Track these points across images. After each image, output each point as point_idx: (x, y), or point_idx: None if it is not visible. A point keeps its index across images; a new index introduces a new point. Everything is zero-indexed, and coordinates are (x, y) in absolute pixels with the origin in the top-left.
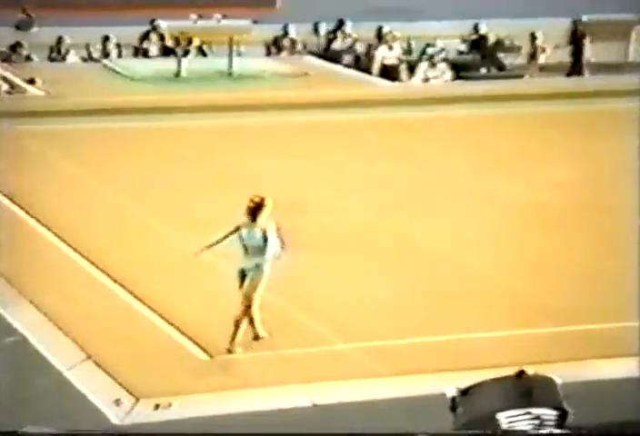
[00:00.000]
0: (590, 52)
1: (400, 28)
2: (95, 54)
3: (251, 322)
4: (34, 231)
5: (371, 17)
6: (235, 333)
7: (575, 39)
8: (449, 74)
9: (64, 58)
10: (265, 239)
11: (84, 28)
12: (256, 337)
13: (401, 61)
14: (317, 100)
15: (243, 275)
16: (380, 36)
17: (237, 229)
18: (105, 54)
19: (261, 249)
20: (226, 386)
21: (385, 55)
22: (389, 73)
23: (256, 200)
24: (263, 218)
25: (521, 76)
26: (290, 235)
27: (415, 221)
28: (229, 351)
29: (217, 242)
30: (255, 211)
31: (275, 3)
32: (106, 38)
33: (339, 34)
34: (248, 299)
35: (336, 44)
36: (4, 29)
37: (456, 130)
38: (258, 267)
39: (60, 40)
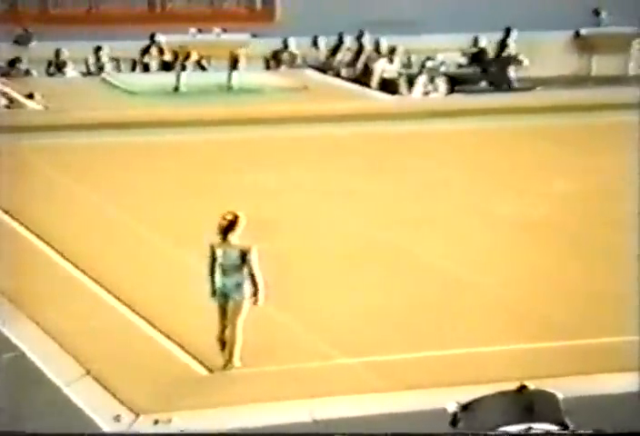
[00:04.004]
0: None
1: (400, 41)
2: (94, 69)
3: (228, 346)
4: (32, 246)
5: (371, 31)
6: (231, 349)
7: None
8: (443, 87)
9: (62, 72)
10: (243, 258)
11: (82, 43)
12: (227, 365)
13: (400, 74)
14: (317, 114)
15: (224, 296)
16: (379, 50)
17: (212, 248)
18: (99, 67)
19: (238, 268)
20: (226, 401)
21: (384, 69)
22: (388, 86)
23: (229, 217)
24: (236, 236)
25: (521, 90)
26: (290, 251)
27: (415, 235)
28: (229, 367)
29: (212, 270)
30: (227, 229)
31: (274, 17)
32: (98, 49)
33: (339, 47)
34: (232, 322)
35: (336, 58)
36: (2, 44)
37: (456, 144)
38: (239, 286)
39: (58, 54)
